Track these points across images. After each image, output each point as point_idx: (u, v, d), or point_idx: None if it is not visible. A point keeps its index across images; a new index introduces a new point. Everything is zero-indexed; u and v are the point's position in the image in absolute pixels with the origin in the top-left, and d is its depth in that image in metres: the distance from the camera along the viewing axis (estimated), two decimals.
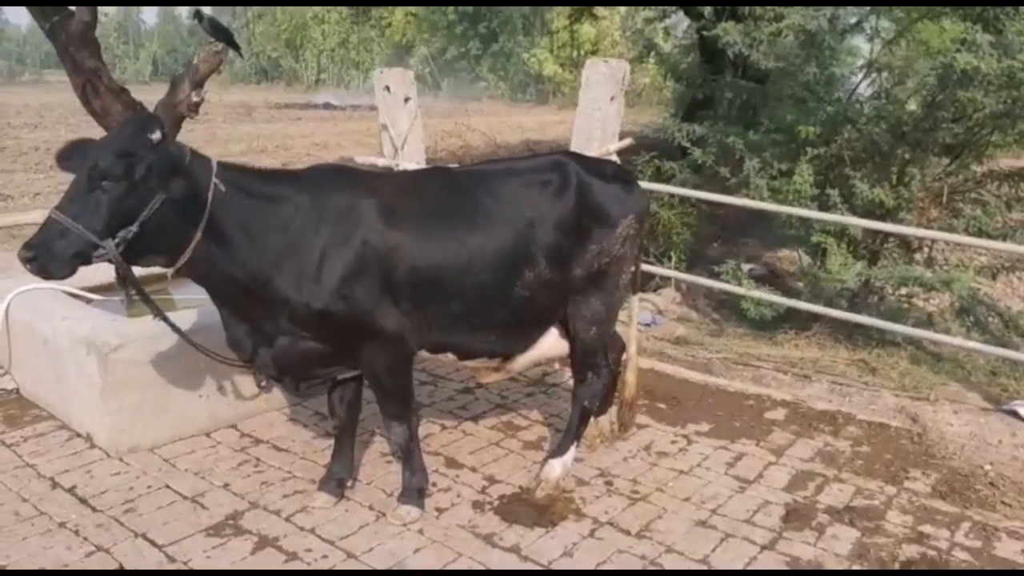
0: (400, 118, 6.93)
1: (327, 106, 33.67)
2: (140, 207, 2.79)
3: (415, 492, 3.52)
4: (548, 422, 4.59)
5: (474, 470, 3.98)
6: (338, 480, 3.63)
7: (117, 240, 2.78)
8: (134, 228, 2.80)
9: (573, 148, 5.79)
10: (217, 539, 3.31)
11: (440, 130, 18.82)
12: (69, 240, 2.72)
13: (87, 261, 2.79)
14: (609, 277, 3.66)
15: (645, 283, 7.12)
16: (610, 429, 4.27)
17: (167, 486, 3.72)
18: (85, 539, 3.26)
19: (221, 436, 4.24)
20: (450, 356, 3.56)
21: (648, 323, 6.72)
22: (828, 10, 6.02)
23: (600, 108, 5.81)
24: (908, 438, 4.60)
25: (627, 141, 5.89)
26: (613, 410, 4.27)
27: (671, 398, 5.00)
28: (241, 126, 24.23)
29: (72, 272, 2.81)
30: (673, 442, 4.42)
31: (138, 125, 2.89)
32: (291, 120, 27.04)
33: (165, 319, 3.24)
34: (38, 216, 5.08)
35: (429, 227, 3.29)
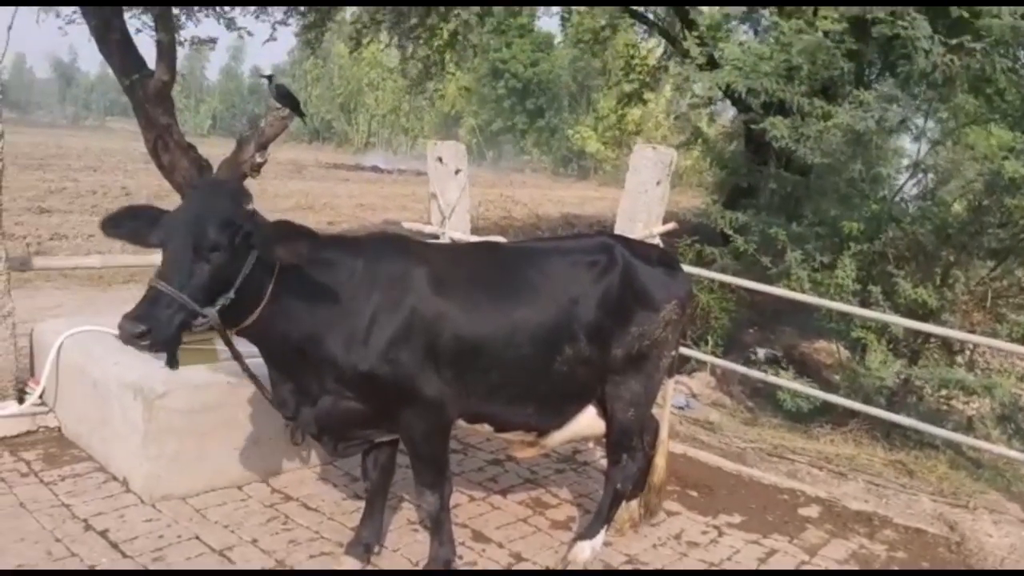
0: (450, 188, 7.12)
1: (375, 169, 34.55)
2: (236, 275, 2.86)
3: (441, 563, 3.50)
4: (577, 501, 4.55)
5: (501, 546, 3.95)
6: (365, 545, 3.62)
7: (217, 307, 2.86)
8: (231, 295, 2.87)
9: (618, 229, 5.90)
10: None
11: (484, 199, 19.17)
12: (175, 311, 2.74)
13: (189, 330, 2.86)
14: (649, 360, 3.68)
15: (680, 366, 7.11)
16: (640, 515, 4.22)
17: (197, 537, 3.74)
18: None
19: (252, 490, 4.27)
20: (487, 428, 3.59)
21: (682, 406, 6.68)
22: (876, 111, 6.12)
23: (646, 191, 5.92)
24: (946, 546, 4.47)
25: (671, 225, 5.97)
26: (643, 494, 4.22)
27: (703, 486, 4.93)
28: (291, 183, 24.93)
29: (178, 344, 2.86)
30: (704, 532, 4.35)
31: (230, 193, 2.95)
32: (339, 180, 27.75)
33: (254, 378, 3.40)
34: (95, 260, 5.29)
35: (476, 298, 3.36)
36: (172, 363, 2.96)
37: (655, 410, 4.13)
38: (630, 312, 3.60)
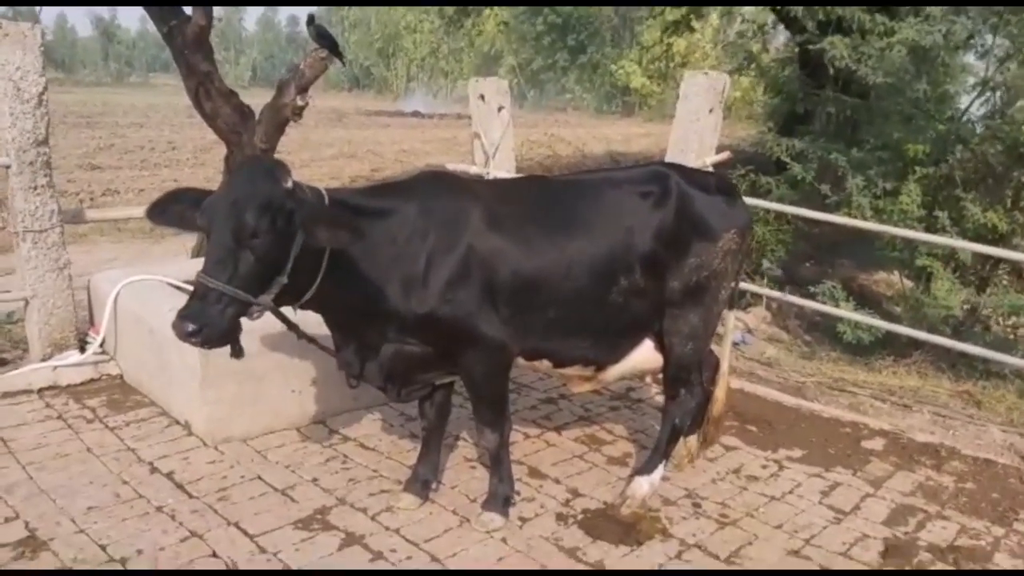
0: (493, 127, 6.97)
1: (415, 114, 34.33)
2: (286, 256, 2.76)
3: (501, 500, 3.49)
4: (632, 438, 4.51)
5: (558, 482, 3.93)
6: (423, 482, 3.64)
7: (272, 293, 2.78)
8: (283, 279, 2.78)
9: (669, 160, 5.70)
10: (306, 532, 3.36)
11: (527, 139, 18.91)
12: (227, 304, 2.66)
13: (245, 318, 2.79)
14: (707, 292, 3.57)
15: (735, 300, 6.97)
16: (697, 447, 4.15)
17: (259, 477, 3.80)
18: (180, 524, 3.35)
19: (310, 431, 4.32)
20: (545, 364, 3.53)
21: (738, 342, 6.55)
22: (942, 25, 5.76)
23: (698, 120, 5.70)
24: (1017, 477, 4.33)
25: (725, 154, 5.76)
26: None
27: (762, 421, 4.84)
28: (333, 131, 24.96)
29: (236, 336, 2.81)
30: (764, 467, 4.27)
31: (267, 173, 2.77)
32: (381, 127, 27.66)
33: (318, 344, 3.38)
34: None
35: (529, 232, 3.28)
36: (236, 352, 2.91)
37: (715, 345, 4.03)
38: (687, 242, 3.47)
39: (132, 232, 10.82)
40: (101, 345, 4.86)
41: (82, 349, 4.85)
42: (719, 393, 4.01)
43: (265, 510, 3.51)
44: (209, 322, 2.65)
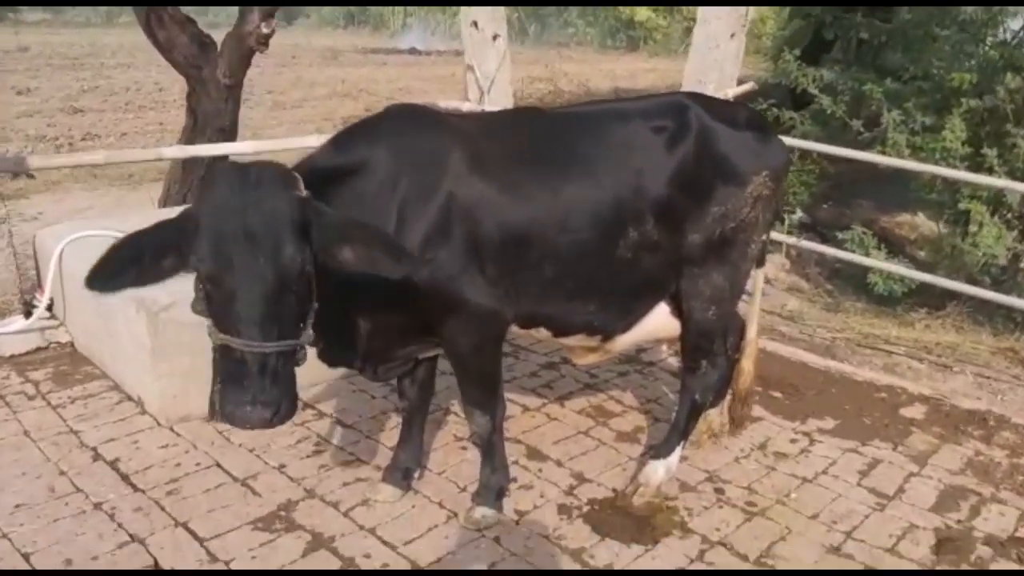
0: (487, 57, 6.33)
1: (412, 51, 33.14)
2: (312, 279, 2.22)
3: (493, 492, 3.01)
4: (645, 408, 4.01)
5: (560, 464, 3.45)
6: (404, 470, 3.16)
7: (309, 324, 2.25)
8: (315, 304, 2.26)
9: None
10: (266, 534, 2.89)
11: (528, 75, 18.09)
12: (286, 363, 2.14)
13: None
14: (734, 246, 3.02)
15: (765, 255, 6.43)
16: (720, 425, 3.66)
17: (217, 464, 3.32)
18: (120, 525, 2.88)
19: None
20: (543, 332, 3.01)
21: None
22: None
23: (717, 46, 5.06)
24: None
25: (748, 86, 5.14)
26: (725, 402, 3.65)
27: (788, 385, 4.34)
28: (327, 70, 24.03)
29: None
30: (793, 440, 3.78)
31: (278, 181, 2.13)
32: (376, 65, 26.65)
33: None
34: (99, 157, 4.71)
35: (518, 175, 2.72)
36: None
37: (742, 306, 3.50)
38: (709, 187, 2.91)
39: (110, 179, 10.20)
40: (48, 309, 4.35)
41: (28, 314, 4.33)
42: (746, 364, 3.49)
43: (221, 506, 3.04)
44: (284, 394, 2.12)
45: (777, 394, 4.24)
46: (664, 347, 3.92)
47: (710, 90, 5.01)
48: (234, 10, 5.27)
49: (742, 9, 5.00)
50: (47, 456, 3.31)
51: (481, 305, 2.69)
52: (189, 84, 5.06)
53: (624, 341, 3.15)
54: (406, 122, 2.73)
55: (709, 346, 3.19)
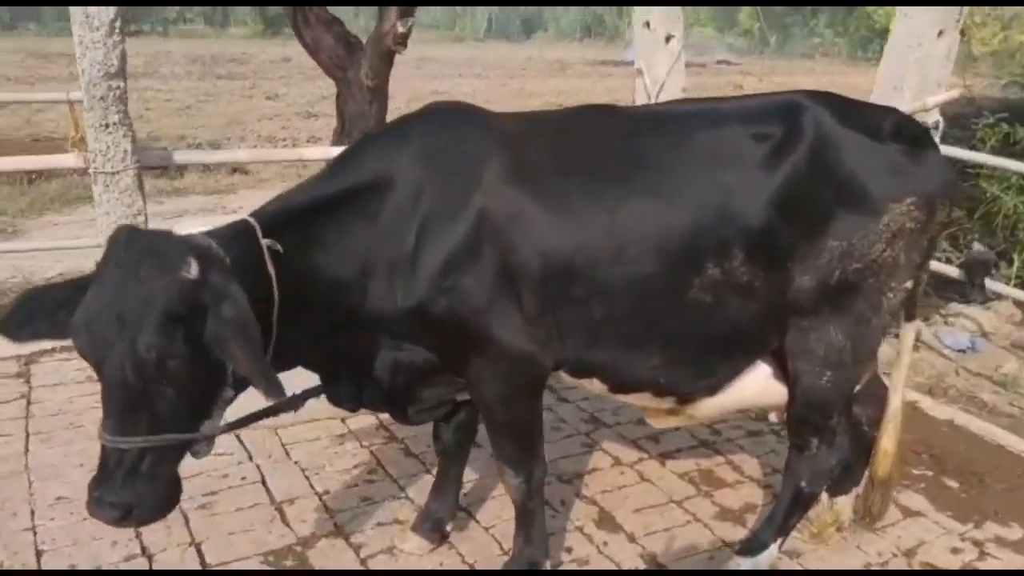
0: (658, 60, 5.74)
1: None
2: (224, 365, 1.88)
3: (524, 565, 2.51)
4: (767, 481, 3.29)
5: (633, 539, 2.86)
6: (435, 521, 2.76)
7: (221, 415, 2.00)
8: (230, 391, 1.99)
9: (874, 98, 4.22)
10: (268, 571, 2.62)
11: (732, 83, 16.94)
12: (156, 462, 1.87)
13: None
14: (860, 294, 2.28)
15: (967, 292, 5.25)
16: (851, 518, 2.87)
17: (262, 481, 3.13)
18: (138, 535, 2.74)
19: (357, 422, 3.57)
20: (598, 386, 2.46)
21: (964, 348, 4.91)
22: None
23: (919, 45, 4.13)
24: None
25: (954, 92, 4.15)
26: (860, 489, 2.85)
27: (970, 473, 3.38)
28: (550, 81, 24.28)
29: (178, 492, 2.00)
30: (956, 550, 2.89)
31: (155, 255, 1.81)
32: (601, 76, 26.49)
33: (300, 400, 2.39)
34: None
35: (567, 189, 2.22)
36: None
37: (884, 360, 2.71)
38: (826, 215, 2.21)
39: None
40: None
41: None
42: (887, 445, 2.68)
43: (243, 530, 2.83)
44: (139, 496, 1.85)
45: (952, 483, 3.31)
46: (773, 415, 3.16)
47: (906, 97, 4.11)
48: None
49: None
50: None
51: (513, 347, 2.23)
52: (337, 87, 5.03)
53: (710, 407, 2.51)
54: (439, 123, 2.33)
55: (823, 421, 2.45)
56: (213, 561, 2.65)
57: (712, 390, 2.45)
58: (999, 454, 3.55)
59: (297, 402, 2.31)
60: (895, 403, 2.67)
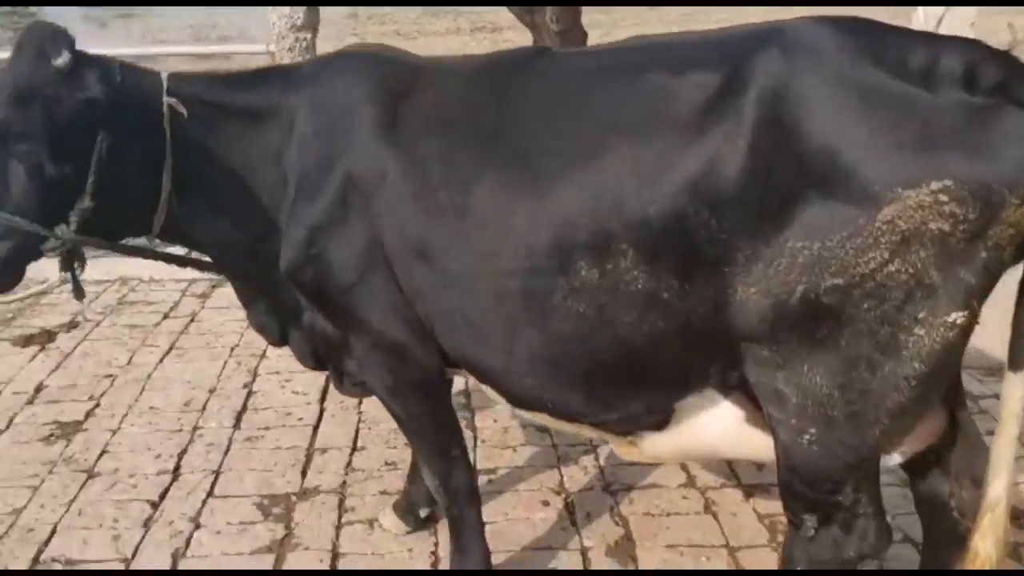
0: None
1: None
2: (82, 168, 1.89)
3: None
4: None
5: None
6: (410, 503, 2.59)
7: (74, 223, 1.92)
8: (87, 202, 1.92)
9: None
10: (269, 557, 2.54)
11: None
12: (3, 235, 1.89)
13: (31, 259, 1.98)
14: (852, 322, 1.49)
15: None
16: None
17: (315, 426, 3.19)
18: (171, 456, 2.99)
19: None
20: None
21: None
22: None
23: None
24: None
25: None
26: None
27: None
28: None
29: (17, 281, 2.01)
30: None
31: (34, 47, 1.87)
32: None
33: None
34: None
35: (426, 154, 1.85)
36: (77, 294, 2.12)
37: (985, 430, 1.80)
38: (785, 200, 1.48)
39: None
40: None
41: None
42: (982, 543, 1.78)
43: (264, 468, 2.95)
44: None
45: None
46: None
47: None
48: None
49: None
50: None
51: (385, 334, 1.97)
52: (532, 33, 4.83)
53: (662, 445, 1.90)
54: (338, 69, 2.08)
55: (814, 494, 1.70)
56: (217, 492, 2.78)
57: (658, 426, 1.85)
58: None
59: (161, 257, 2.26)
60: (996, 488, 1.73)
